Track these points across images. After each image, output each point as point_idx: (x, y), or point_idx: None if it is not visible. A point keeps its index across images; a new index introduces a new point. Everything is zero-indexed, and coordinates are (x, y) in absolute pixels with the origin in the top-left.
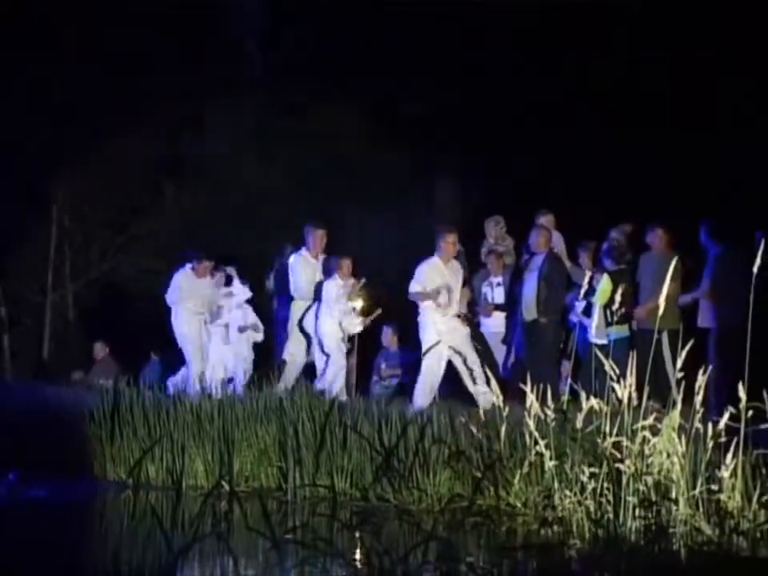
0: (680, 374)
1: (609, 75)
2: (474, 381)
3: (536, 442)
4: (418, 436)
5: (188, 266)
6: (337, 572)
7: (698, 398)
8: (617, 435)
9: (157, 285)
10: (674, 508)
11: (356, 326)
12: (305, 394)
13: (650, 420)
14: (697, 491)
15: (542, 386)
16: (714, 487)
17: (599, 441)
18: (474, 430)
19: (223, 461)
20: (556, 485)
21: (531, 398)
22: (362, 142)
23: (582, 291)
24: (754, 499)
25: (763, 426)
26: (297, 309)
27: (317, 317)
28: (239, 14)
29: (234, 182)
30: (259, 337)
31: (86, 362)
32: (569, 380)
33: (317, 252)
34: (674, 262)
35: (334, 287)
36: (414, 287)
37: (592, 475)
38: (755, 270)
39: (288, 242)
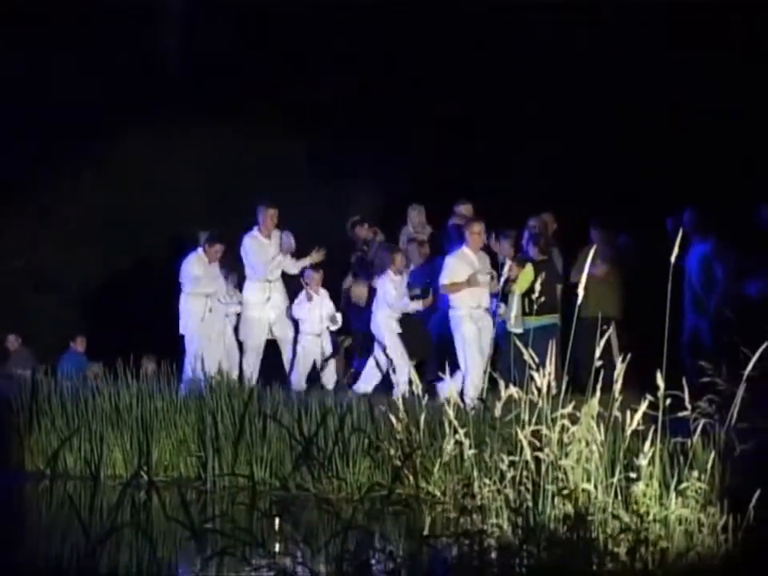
0: (599, 363)
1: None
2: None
3: (455, 431)
4: (337, 425)
5: (198, 250)
6: (256, 561)
7: (617, 387)
8: (536, 424)
9: (74, 273)
10: (593, 496)
11: (417, 303)
12: (224, 383)
13: (569, 408)
14: (615, 479)
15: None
16: (632, 475)
17: (518, 429)
18: (393, 420)
19: (142, 450)
20: (475, 473)
21: (451, 387)
22: (282, 135)
23: (502, 280)
24: (672, 487)
25: (681, 414)
26: (255, 289)
27: (373, 313)
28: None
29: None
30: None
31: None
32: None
33: (269, 231)
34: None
35: (389, 283)
36: (444, 281)
37: (511, 464)
38: (672, 259)
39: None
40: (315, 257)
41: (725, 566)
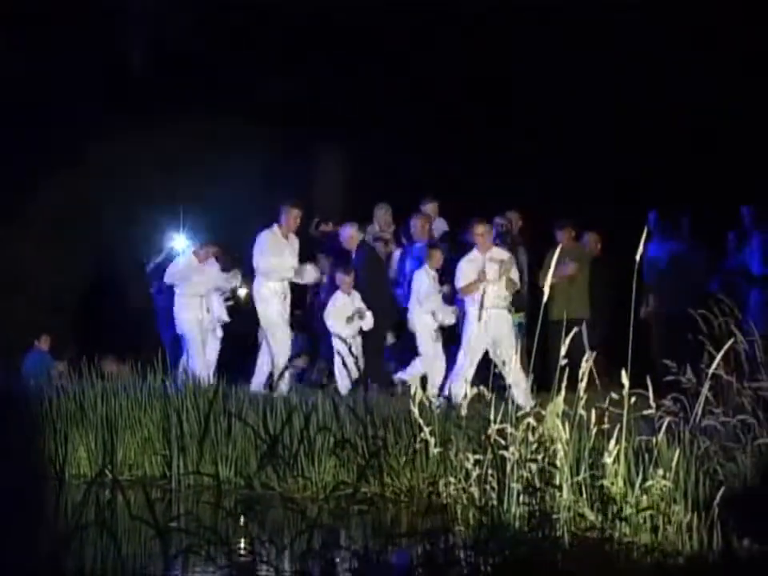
0: (564, 362)
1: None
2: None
3: (421, 429)
4: (302, 424)
5: (191, 249)
6: (221, 560)
7: (582, 385)
8: (501, 422)
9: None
10: (558, 494)
11: (451, 316)
12: (189, 382)
13: (535, 407)
14: (580, 477)
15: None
16: (598, 473)
17: (484, 428)
18: (359, 418)
19: (106, 449)
20: (441, 472)
21: (416, 385)
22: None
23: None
24: (637, 485)
25: (646, 413)
26: (259, 286)
27: (409, 309)
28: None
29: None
30: (367, 325)
31: None
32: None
33: (288, 230)
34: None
35: (426, 278)
36: (459, 284)
37: (476, 462)
38: (637, 257)
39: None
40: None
41: (690, 564)
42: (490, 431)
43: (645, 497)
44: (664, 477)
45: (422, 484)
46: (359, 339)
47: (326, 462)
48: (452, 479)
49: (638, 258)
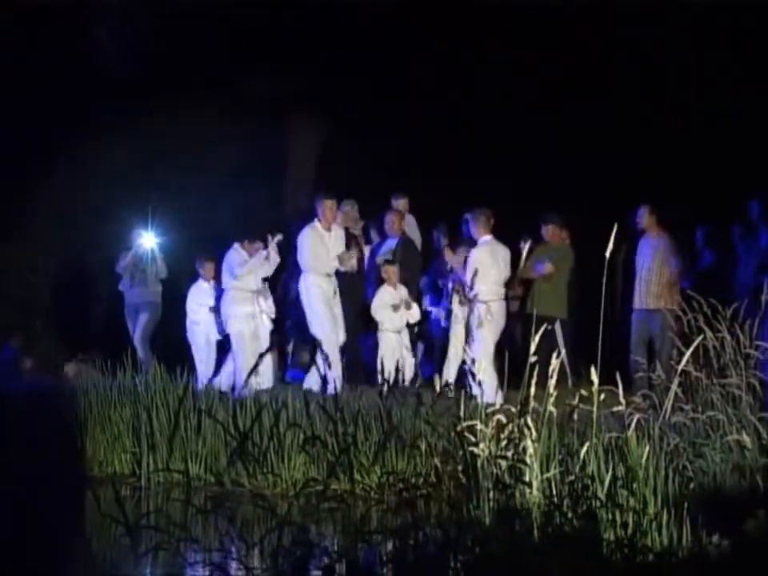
0: (533, 359)
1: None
2: None
3: (391, 426)
4: (272, 420)
5: (236, 244)
6: (191, 557)
7: (552, 382)
8: (471, 419)
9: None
10: (528, 491)
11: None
12: (159, 378)
13: (504, 403)
14: (550, 474)
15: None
16: (568, 470)
17: (454, 424)
18: (329, 414)
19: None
20: (411, 468)
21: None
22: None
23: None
24: (606, 481)
25: (615, 409)
26: (310, 283)
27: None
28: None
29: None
30: (413, 317)
31: None
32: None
33: (329, 224)
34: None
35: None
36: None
37: (447, 459)
38: (607, 254)
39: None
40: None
41: (660, 560)
42: (459, 428)
43: (614, 493)
44: (634, 473)
45: (392, 481)
46: (406, 332)
47: (296, 458)
48: (422, 476)
49: (607, 254)
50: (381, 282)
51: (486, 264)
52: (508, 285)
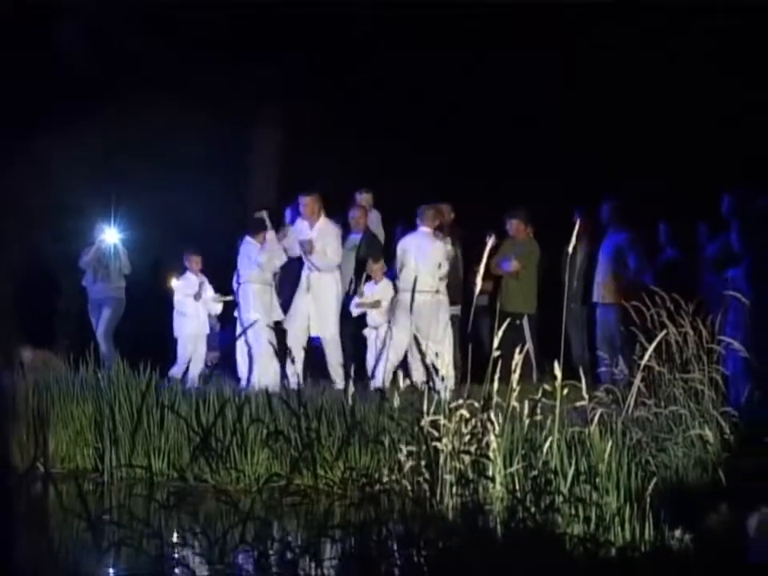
0: (497, 354)
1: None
2: None
3: (355, 421)
4: (235, 416)
5: (247, 237)
6: (153, 552)
7: (515, 376)
8: (434, 414)
9: None
10: (491, 486)
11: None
12: (121, 374)
13: (468, 398)
14: (513, 469)
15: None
16: (530, 465)
17: (417, 419)
18: (292, 409)
19: (38, 441)
20: (374, 463)
21: (350, 377)
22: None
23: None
24: (569, 476)
25: (579, 404)
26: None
27: None
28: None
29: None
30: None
31: None
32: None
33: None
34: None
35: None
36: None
37: (410, 454)
38: (570, 250)
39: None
40: None
41: (622, 554)
42: (423, 423)
43: (577, 488)
44: (596, 468)
45: (355, 476)
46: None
47: (259, 453)
48: (385, 471)
49: (570, 250)
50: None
51: (410, 256)
52: (471, 279)
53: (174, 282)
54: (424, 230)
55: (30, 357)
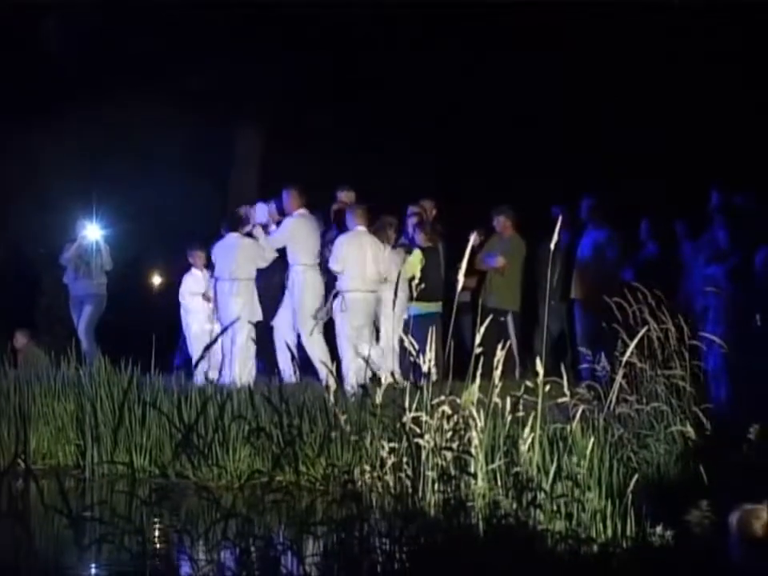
0: (479, 350)
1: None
2: None
3: (336, 418)
4: (217, 412)
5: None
6: (135, 549)
7: (497, 372)
8: (416, 410)
9: None
10: (473, 482)
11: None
12: (103, 370)
13: (449, 395)
14: (495, 465)
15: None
16: (512, 461)
17: (399, 416)
18: (274, 406)
19: (19, 438)
20: (356, 460)
21: (331, 374)
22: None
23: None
24: (551, 472)
25: (560, 400)
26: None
27: None
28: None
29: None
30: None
31: None
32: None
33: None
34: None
35: None
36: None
37: (392, 450)
38: (552, 246)
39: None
40: None
41: (604, 551)
42: (405, 419)
43: (559, 484)
44: (578, 464)
45: (337, 472)
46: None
47: (241, 450)
48: (367, 467)
49: (552, 246)
50: None
51: (350, 254)
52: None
53: (187, 283)
54: (360, 229)
55: (25, 342)
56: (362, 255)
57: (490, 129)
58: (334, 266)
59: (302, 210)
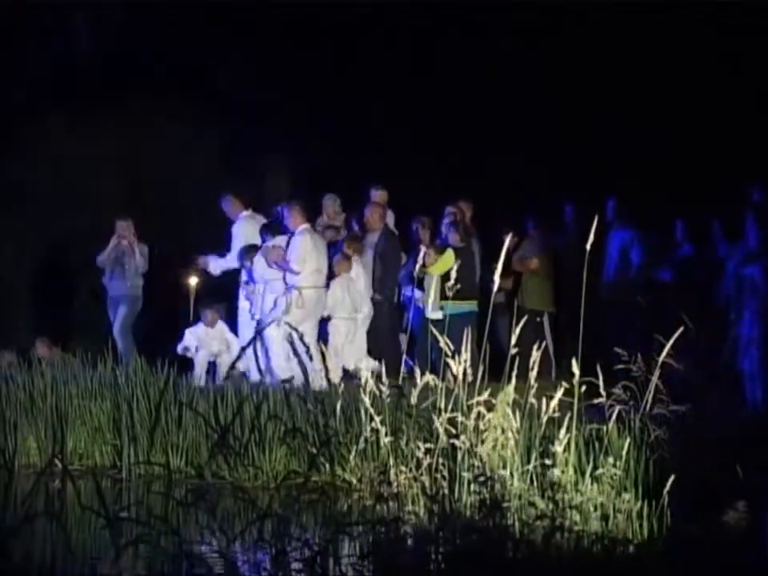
0: (514, 350)
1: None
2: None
3: (371, 418)
4: (253, 413)
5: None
6: (172, 550)
7: (533, 374)
8: (452, 411)
9: None
10: (508, 483)
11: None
12: (140, 371)
13: (485, 396)
14: (530, 466)
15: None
16: (548, 462)
17: (434, 417)
18: (310, 407)
19: (56, 438)
20: (391, 461)
21: (366, 375)
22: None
23: (417, 266)
24: (587, 473)
25: (596, 401)
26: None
27: None
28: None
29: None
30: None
31: None
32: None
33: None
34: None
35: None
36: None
37: (427, 451)
38: (588, 247)
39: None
40: None
41: (640, 552)
42: (440, 420)
43: (595, 485)
44: (614, 465)
45: (373, 473)
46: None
47: (277, 451)
48: (403, 468)
49: (588, 247)
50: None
51: (307, 251)
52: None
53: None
54: (305, 226)
55: (47, 353)
56: (316, 252)
57: (523, 127)
58: (294, 266)
59: (305, 226)
